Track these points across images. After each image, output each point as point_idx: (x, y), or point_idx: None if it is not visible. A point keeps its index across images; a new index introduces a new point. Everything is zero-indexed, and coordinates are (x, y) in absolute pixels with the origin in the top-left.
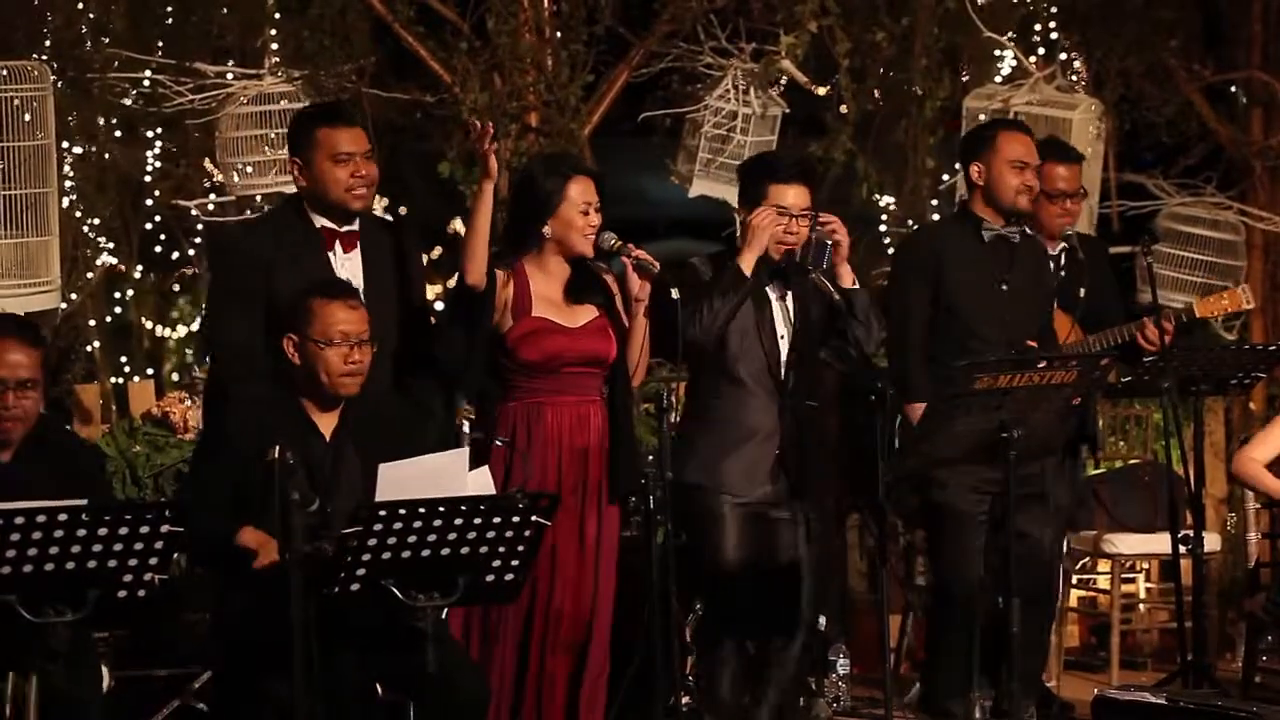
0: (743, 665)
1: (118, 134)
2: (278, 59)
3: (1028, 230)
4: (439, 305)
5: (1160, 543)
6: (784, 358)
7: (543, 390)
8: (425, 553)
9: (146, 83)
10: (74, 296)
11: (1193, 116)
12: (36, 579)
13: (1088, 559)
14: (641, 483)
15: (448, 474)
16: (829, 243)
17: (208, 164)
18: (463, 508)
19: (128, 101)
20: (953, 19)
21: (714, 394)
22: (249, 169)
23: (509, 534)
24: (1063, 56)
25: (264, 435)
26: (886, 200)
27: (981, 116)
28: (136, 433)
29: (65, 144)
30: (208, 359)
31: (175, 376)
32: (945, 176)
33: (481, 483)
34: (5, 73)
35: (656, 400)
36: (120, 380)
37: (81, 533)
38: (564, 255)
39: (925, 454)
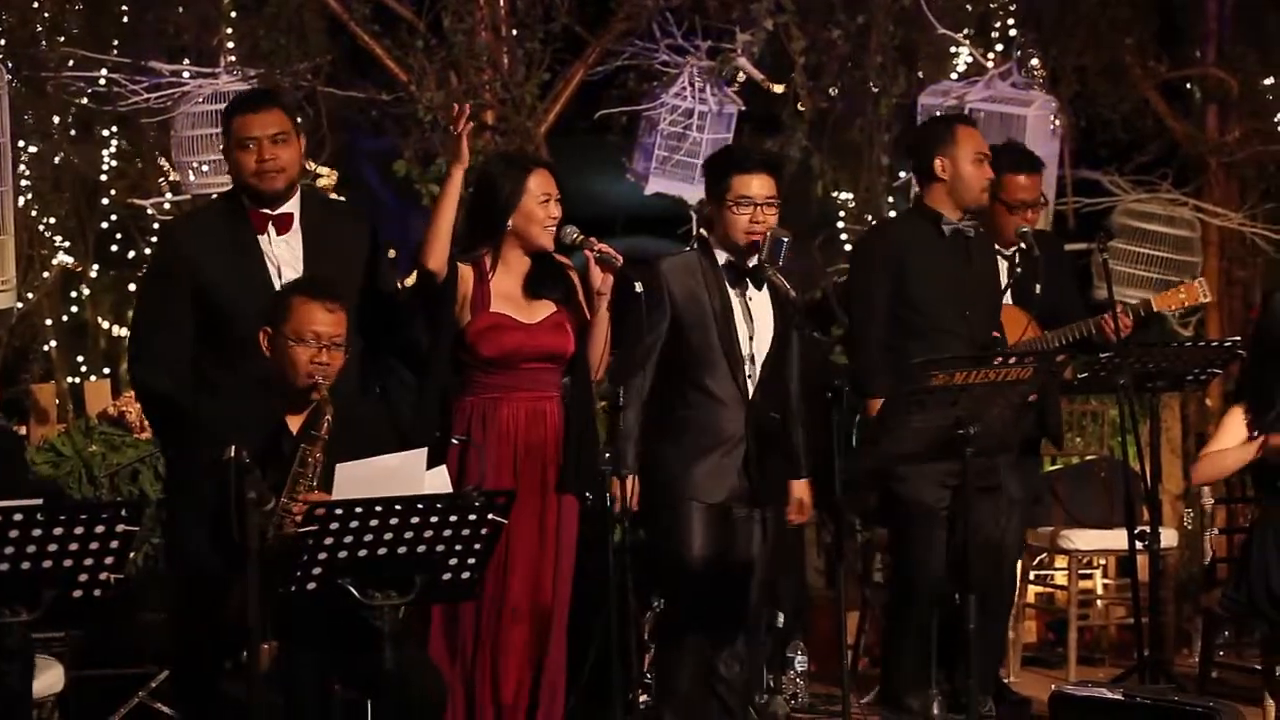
0: (700, 661)
1: (73, 133)
2: (233, 57)
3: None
4: None
5: (1117, 539)
6: (749, 367)
7: (499, 386)
8: (382, 551)
9: (102, 81)
10: (30, 296)
11: (1148, 113)
12: None
13: (1045, 555)
14: (598, 479)
15: (405, 474)
16: (784, 239)
17: (163, 163)
18: (419, 506)
19: (83, 100)
20: (908, 16)
21: (682, 402)
22: (205, 167)
23: (466, 532)
24: (1018, 53)
25: (235, 426)
26: (844, 197)
27: (938, 114)
28: (93, 432)
29: (20, 143)
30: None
31: None
32: (901, 174)
33: (439, 482)
34: None
35: (613, 397)
36: (76, 380)
37: (37, 532)
38: (525, 249)
39: (882, 451)
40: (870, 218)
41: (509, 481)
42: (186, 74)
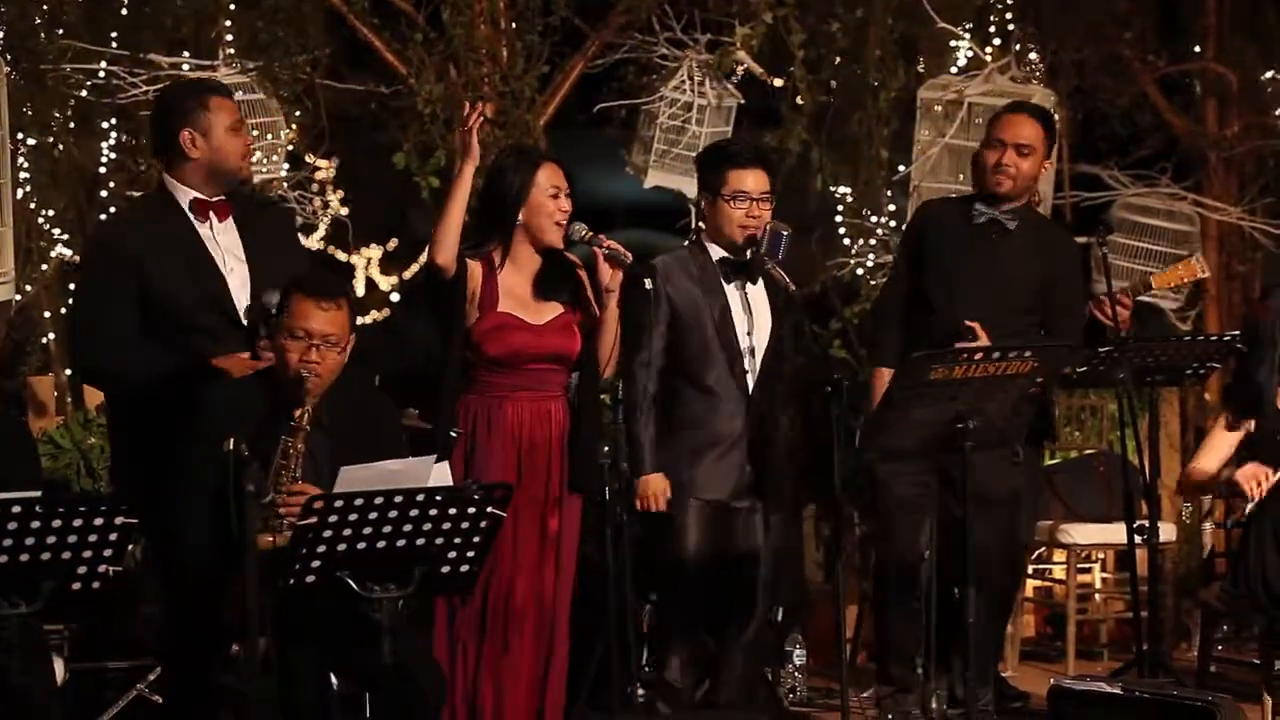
0: (695, 655)
1: (72, 125)
2: (232, 50)
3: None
4: (394, 296)
5: (1116, 533)
6: (748, 367)
7: (504, 385)
8: (381, 544)
9: (101, 74)
10: (28, 288)
11: (1147, 108)
12: None
13: (1043, 549)
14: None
15: (408, 480)
16: (784, 233)
17: None
18: (418, 499)
19: (82, 93)
20: (908, 10)
21: (680, 400)
22: None
23: (464, 525)
24: (1017, 47)
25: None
26: (843, 191)
27: (936, 108)
28: (91, 424)
29: (19, 135)
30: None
31: None
32: (900, 167)
33: (440, 477)
34: None
35: (614, 392)
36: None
37: (35, 524)
38: (534, 246)
39: (882, 445)
40: (869, 212)
41: (513, 479)
42: (185, 67)
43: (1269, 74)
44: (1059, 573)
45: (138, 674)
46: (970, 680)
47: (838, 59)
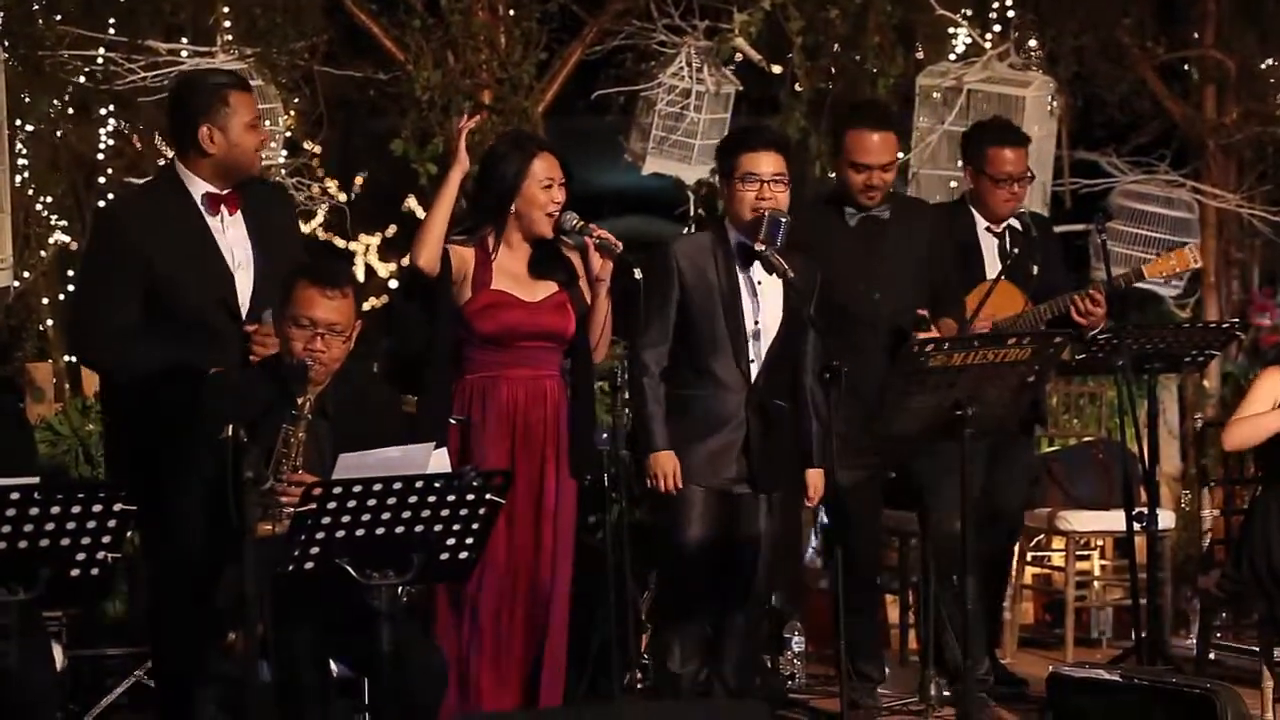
0: (694, 640)
1: (70, 112)
2: (230, 36)
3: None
4: (393, 284)
5: (1115, 520)
6: (753, 353)
7: (498, 364)
8: (379, 531)
9: (99, 60)
10: (26, 275)
11: (1146, 94)
12: None
13: (1042, 536)
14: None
15: (406, 467)
16: (783, 219)
17: (160, 142)
18: (417, 486)
19: (80, 79)
20: None
21: (684, 384)
22: None
23: (463, 512)
24: (1016, 34)
25: (241, 404)
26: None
27: (935, 95)
28: (90, 411)
29: (17, 122)
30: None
31: None
32: (898, 154)
33: (439, 463)
34: None
35: (611, 378)
36: (73, 359)
37: (34, 511)
38: (524, 236)
39: (879, 431)
40: None
41: (506, 459)
42: (184, 53)
43: (1268, 61)
44: (1058, 560)
45: (136, 660)
46: (969, 666)
47: (836, 46)
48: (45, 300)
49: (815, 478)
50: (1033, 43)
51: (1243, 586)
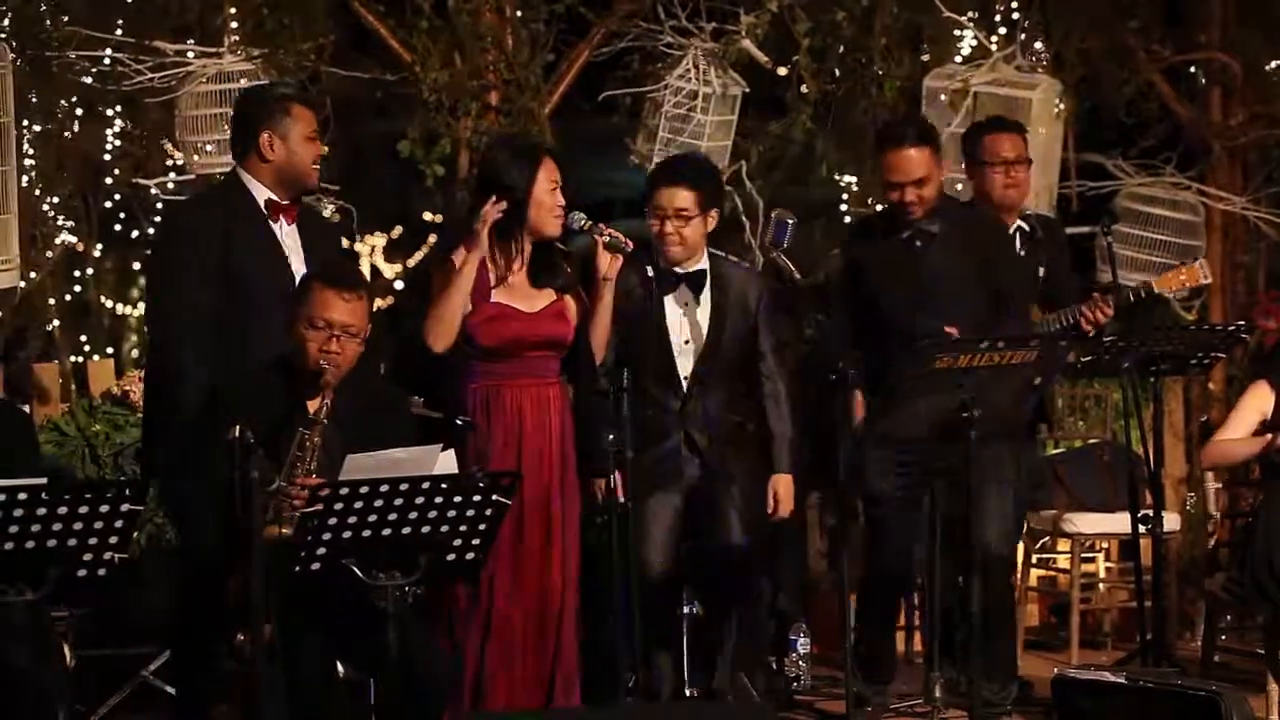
0: (682, 641)
1: (78, 112)
2: (237, 37)
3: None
4: (398, 284)
5: (1120, 522)
6: (681, 369)
7: (502, 373)
8: (386, 532)
9: (106, 61)
10: (33, 275)
11: (1152, 97)
12: None
13: (1047, 538)
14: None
15: (413, 468)
16: (789, 221)
17: (167, 144)
18: (423, 487)
19: (87, 80)
20: None
21: (632, 400)
22: (209, 148)
23: (470, 513)
24: (1023, 36)
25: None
26: (847, 180)
27: (942, 97)
28: (96, 411)
29: (24, 122)
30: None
31: (135, 355)
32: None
33: (446, 465)
34: None
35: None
36: (80, 359)
37: (42, 511)
38: (532, 238)
39: (886, 432)
40: (873, 200)
41: (513, 467)
42: (191, 54)
43: (1274, 64)
44: (1063, 562)
45: (144, 660)
46: (974, 669)
47: (842, 48)
48: (51, 301)
49: (779, 484)
50: (1039, 45)
51: (1246, 591)
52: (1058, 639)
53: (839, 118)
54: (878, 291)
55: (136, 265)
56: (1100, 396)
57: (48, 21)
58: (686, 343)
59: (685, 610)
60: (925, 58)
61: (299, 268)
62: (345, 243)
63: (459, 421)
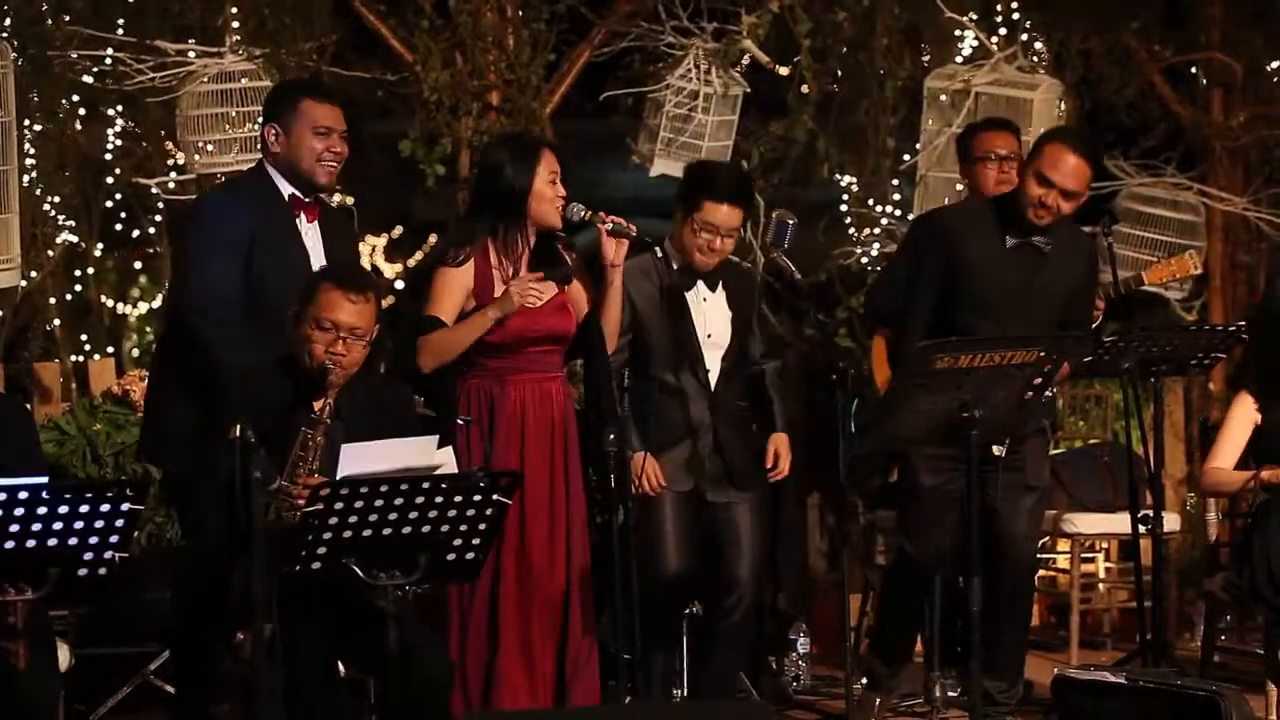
0: (678, 642)
1: (81, 111)
2: (239, 37)
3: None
4: (399, 285)
5: (1120, 522)
6: (709, 363)
7: (505, 368)
8: (386, 531)
9: (107, 60)
10: (34, 274)
11: (1153, 97)
12: None
13: (1047, 538)
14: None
15: (410, 458)
16: (790, 222)
17: (168, 143)
18: (424, 486)
19: (89, 79)
20: None
21: (648, 398)
22: (210, 147)
23: (470, 513)
24: (1024, 37)
25: (257, 404)
26: (848, 180)
27: (943, 97)
28: (97, 411)
29: (26, 121)
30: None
31: (135, 354)
32: (905, 156)
33: (443, 458)
34: None
35: (618, 377)
36: (80, 358)
37: (42, 510)
38: (536, 230)
39: (886, 432)
40: (874, 201)
41: (516, 462)
42: (192, 53)
43: (1274, 64)
44: (1063, 562)
45: (143, 660)
46: (975, 669)
47: (844, 48)
48: (52, 300)
49: (778, 442)
50: (1040, 45)
51: (1244, 593)
52: (1058, 639)
53: (840, 118)
54: (974, 292)
55: (138, 265)
56: (1100, 397)
57: (49, 21)
58: (709, 336)
59: (686, 610)
60: (926, 58)
61: (318, 264)
62: None
63: (460, 421)
